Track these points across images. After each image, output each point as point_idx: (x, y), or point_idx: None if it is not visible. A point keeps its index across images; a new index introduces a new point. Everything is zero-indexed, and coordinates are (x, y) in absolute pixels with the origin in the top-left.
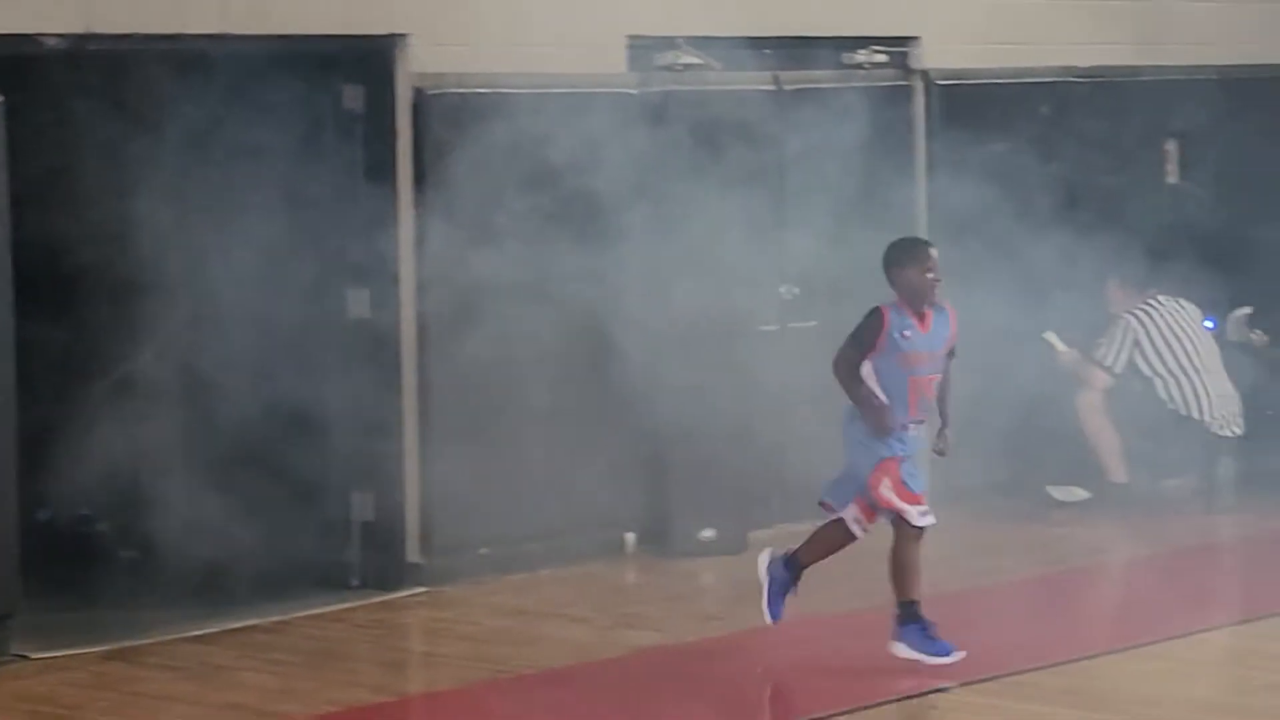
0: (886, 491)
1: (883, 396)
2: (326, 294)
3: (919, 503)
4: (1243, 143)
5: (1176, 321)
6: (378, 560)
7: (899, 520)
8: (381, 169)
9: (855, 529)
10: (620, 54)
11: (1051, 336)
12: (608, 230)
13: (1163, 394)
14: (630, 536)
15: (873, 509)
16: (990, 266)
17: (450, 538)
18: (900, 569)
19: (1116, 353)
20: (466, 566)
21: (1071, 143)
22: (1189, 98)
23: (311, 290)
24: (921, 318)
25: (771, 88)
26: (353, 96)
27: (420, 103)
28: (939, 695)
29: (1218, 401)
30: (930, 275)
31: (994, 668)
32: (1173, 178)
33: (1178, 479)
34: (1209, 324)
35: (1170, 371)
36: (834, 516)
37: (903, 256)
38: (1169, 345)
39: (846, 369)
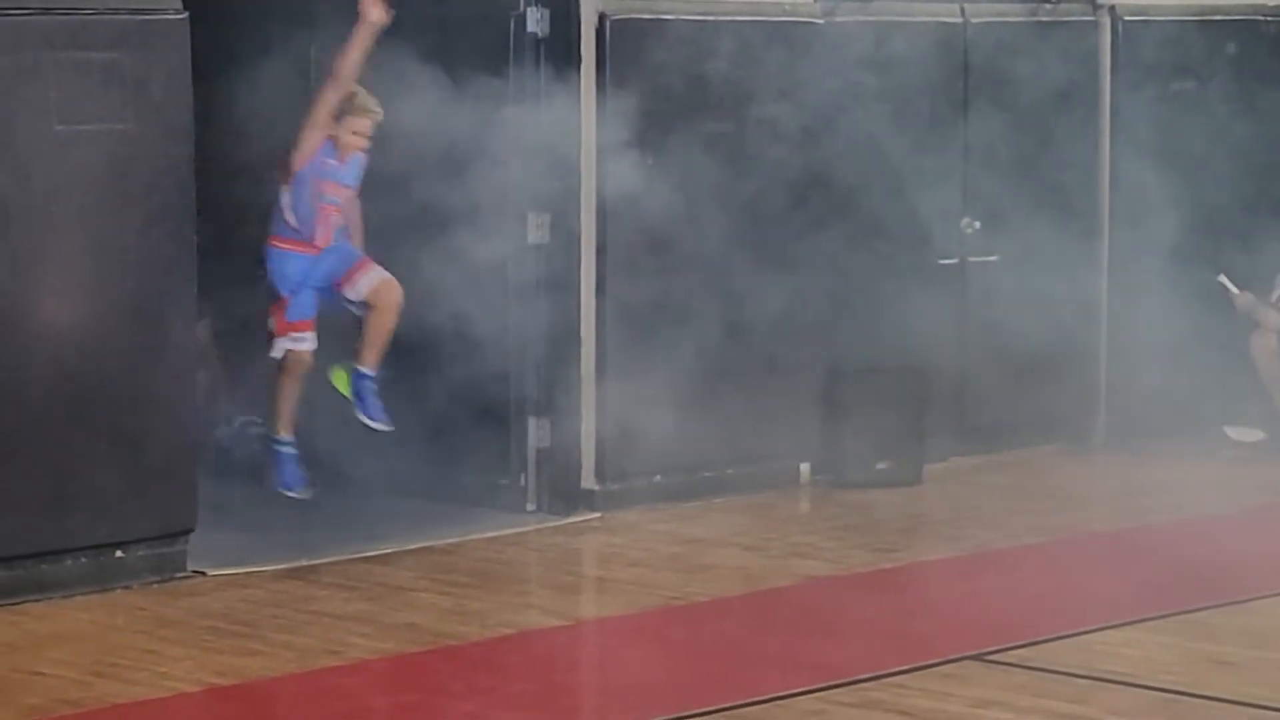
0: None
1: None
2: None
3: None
4: None
5: None
6: (553, 485)
7: None
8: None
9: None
10: None
11: (1225, 280)
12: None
13: None
14: (805, 467)
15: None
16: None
17: (625, 465)
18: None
19: None
20: (640, 493)
21: (1257, 87)
22: None
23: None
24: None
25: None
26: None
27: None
28: (1113, 630)
29: None
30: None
31: (1169, 605)
32: None
33: None
34: None
35: None
36: None
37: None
38: None
39: None
